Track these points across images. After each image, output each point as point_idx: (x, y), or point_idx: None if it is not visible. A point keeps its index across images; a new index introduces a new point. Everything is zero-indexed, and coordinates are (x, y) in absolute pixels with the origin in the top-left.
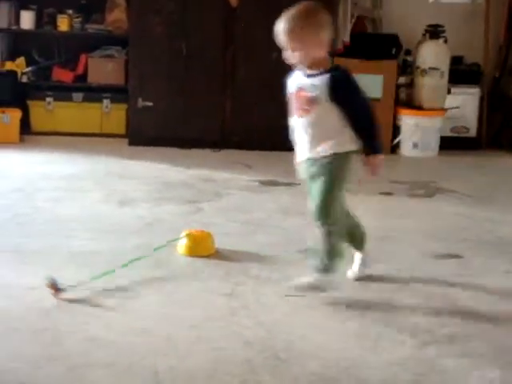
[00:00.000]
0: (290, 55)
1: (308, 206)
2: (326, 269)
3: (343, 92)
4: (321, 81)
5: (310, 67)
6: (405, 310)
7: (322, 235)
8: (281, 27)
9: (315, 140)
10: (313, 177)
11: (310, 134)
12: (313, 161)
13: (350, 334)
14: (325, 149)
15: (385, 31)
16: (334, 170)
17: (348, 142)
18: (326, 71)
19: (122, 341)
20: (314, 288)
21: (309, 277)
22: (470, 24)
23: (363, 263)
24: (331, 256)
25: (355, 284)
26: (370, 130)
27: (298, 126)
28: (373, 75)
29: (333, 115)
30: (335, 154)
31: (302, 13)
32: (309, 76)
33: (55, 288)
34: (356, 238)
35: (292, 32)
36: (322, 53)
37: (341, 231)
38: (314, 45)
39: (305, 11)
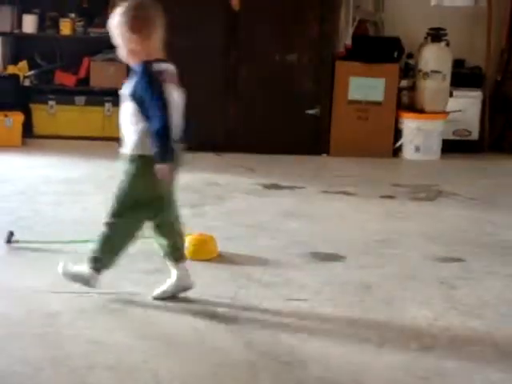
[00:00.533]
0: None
1: None
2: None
3: (139, 89)
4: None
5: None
6: (407, 313)
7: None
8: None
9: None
10: None
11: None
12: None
13: (353, 337)
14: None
15: (387, 34)
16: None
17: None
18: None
19: (123, 344)
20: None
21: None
22: (472, 27)
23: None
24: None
25: (354, 288)
26: (157, 135)
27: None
28: (375, 78)
29: (129, 114)
30: (130, 156)
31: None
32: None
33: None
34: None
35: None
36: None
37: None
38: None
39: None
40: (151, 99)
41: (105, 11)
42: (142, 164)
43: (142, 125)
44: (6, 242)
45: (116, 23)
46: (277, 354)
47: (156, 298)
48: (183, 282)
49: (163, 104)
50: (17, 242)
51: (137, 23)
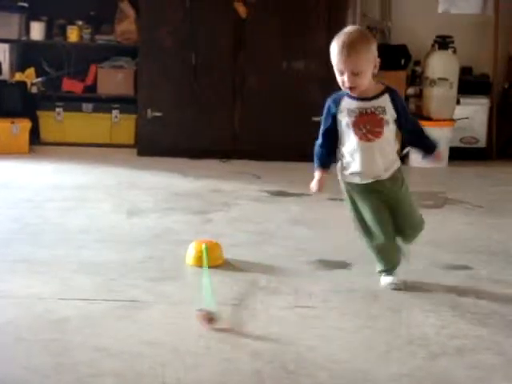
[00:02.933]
0: (353, 78)
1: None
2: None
3: (404, 111)
4: (385, 102)
5: (362, 93)
6: (414, 321)
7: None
8: (344, 50)
9: (386, 160)
10: (378, 195)
11: (380, 156)
12: (381, 180)
13: (360, 345)
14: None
15: (394, 42)
16: (406, 185)
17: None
18: (383, 92)
19: (130, 351)
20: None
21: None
22: (479, 35)
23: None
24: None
25: (361, 296)
26: (425, 135)
27: (365, 149)
28: None
29: (393, 134)
30: (399, 170)
31: (360, 37)
32: (366, 99)
33: (209, 318)
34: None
35: (358, 54)
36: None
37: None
38: (372, 66)
39: (361, 35)
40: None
41: (112, 18)
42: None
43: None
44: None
45: (368, 49)
46: (283, 362)
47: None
48: None
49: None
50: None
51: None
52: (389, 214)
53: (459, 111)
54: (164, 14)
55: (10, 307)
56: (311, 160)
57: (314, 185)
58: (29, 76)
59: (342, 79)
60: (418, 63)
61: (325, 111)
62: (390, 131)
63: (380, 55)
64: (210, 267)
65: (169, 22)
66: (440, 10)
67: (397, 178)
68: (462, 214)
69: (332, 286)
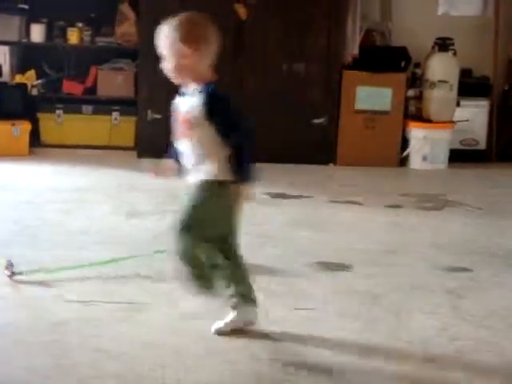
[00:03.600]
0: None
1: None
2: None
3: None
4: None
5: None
6: (414, 323)
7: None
8: (161, 34)
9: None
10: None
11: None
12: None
13: (360, 347)
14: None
15: (394, 44)
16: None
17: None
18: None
19: (130, 353)
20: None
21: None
22: (480, 37)
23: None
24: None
25: (361, 298)
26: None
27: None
28: (382, 88)
29: (210, 137)
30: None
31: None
32: (187, 95)
33: (11, 271)
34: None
35: (170, 41)
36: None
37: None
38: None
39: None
40: (233, 120)
41: (112, 20)
42: (220, 190)
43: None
44: (9, 275)
45: (169, 36)
46: (284, 364)
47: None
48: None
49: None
50: (20, 273)
51: (194, 38)
52: None
53: (459, 113)
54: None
55: (10, 309)
56: (311, 162)
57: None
58: (29, 78)
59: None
60: (418, 65)
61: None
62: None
63: (380, 57)
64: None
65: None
66: (440, 12)
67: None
68: (462, 216)
69: (332, 288)
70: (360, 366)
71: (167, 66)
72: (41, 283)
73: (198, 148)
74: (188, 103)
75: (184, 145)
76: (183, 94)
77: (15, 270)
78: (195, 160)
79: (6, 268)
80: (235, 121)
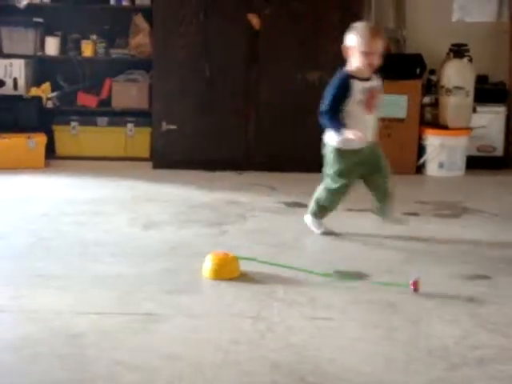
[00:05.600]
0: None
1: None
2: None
3: None
4: (378, 82)
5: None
6: (434, 331)
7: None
8: (378, 34)
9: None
10: (366, 154)
11: (374, 126)
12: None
13: (379, 357)
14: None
15: (408, 51)
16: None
17: None
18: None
19: (147, 365)
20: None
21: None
22: (495, 42)
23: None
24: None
25: (379, 307)
26: None
27: (368, 120)
28: (397, 95)
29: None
30: None
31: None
32: (367, 79)
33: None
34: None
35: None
36: None
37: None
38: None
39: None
40: None
41: (126, 32)
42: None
43: None
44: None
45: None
46: (302, 374)
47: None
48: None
49: None
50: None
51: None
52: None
53: (476, 120)
54: (178, 27)
55: (26, 322)
56: None
57: (356, 134)
58: (44, 91)
59: (367, 59)
60: (433, 72)
61: (336, 85)
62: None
63: (395, 64)
64: (225, 279)
65: (183, 35)
66: (454, 19)
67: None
68: (479, 223)
69: (350, 297)
70: (379, 376)
71: (377, 60)
72: (57, 295)
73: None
74: (372, 83)
75: (369, 116)
76: (360, 79)
77: None
78: (374, 125)
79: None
80: None
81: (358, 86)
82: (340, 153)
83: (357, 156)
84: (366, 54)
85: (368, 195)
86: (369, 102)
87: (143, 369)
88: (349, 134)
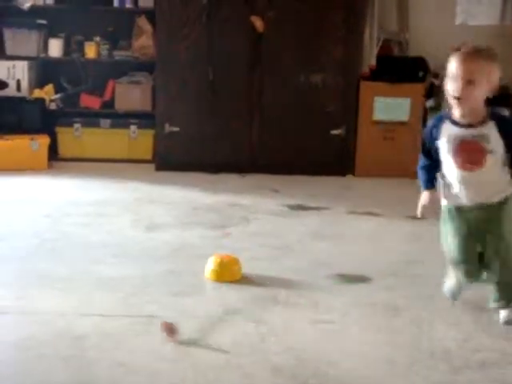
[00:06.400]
0: (465, 87)
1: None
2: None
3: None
4: (489, 130)
5: (467, 114)
6: (436, 334)
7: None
8: (466, 56)
9: (490, 188)
10: (479, 223)
11: (483, 184)
12: (481, 206)
13: (381, 360)
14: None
15: (411, 54)
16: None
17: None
18: (488, 119)
19: (150, 367)
20: None
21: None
22: (498, 46)
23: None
24: None
25: (381, 310)
26: None
27: (465, 178)
28: (400, 98)
29: (500, 163)
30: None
31: (487, 50)
32: (468, 126)
33: (171, 330)
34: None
35: (478, 61)
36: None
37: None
38: (487, 85)
39: (488, 49)
40: None
41: (129, 34)
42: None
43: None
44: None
45: (490, 63)
46: (304, 378)
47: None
48: None
49: None
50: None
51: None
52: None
53: None
54: (181, 29)
55: (30, 323)
56: (329, 173)
57: (420, 208)
58: (47, 92)
59: (452, 88)
60: (436, 75)
61: (427, 133)
62: (495, 161)
63: (398, 67)
64: (228, 282)
65: (186, 37)
66: (457, 22)
67: (503, 207)
68: None
69: (352, 300)
70: (381, 379)
71: (471, 91)
72: (60, 296)
73: (488, 174)
74: (472, 131)
75: (469, 173)
76: (456, 123)
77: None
78: (481, 186)
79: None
80: None
81: (447, 132)
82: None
83: (467, 217)
84: (451, 79)
85: (370, 198)
86: (460, 155)
87: (145, 371)
88: (422, 197)
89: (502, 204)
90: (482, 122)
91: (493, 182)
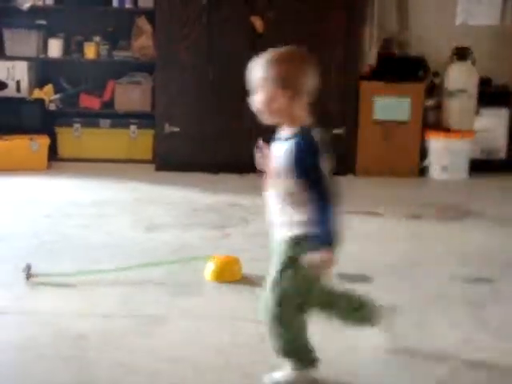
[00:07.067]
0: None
1: None
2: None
3: (299, 164)
4: (288, 148)
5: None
6: (436, 335)
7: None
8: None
9: (284, 219)
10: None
11: (279, 211)
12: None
13: (382, 360)
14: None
15: (411, 53)
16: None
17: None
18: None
19: (149, 367)
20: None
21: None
22: (499, 46)
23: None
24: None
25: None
26: (324, 217)
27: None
28: (400, 98)
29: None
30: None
31: (286, 52)
32: (279, 140)
33: (27, 273)
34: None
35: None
36: (296, 110)
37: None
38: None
39: (288, 51)
40: (317, 176)
41: (129, 34)
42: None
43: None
44: (25, 277)
45: (262, 74)
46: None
47: None
48: None
49: (325, 180)
50: (35, 276)
51: (289, 77)
52: None
53: (479, 123)
54: (181, 29)
55: (30, 323)
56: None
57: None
58: (47, 93)
59: None
60: (436, 75)
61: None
62: (289, 185)
63: (398, 67)
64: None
65: (186, 37)
66: (458, 22)
67: (288, 248)
68: (482, 226)
69: None
70: (382, 380)
71: (258, 104)
72: (60, 297)
73: (283, 199)
74: (279, 149)
75: (271, 195)
76: (277, 139)
77: (32, 272)
78: (281, 212)
79: (24, 270)
80: (314, 177)
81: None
82: None
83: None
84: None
85: (370, 198)
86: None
87: (145, 371)
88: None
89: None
90: (288, 138)
91: (286, 213)
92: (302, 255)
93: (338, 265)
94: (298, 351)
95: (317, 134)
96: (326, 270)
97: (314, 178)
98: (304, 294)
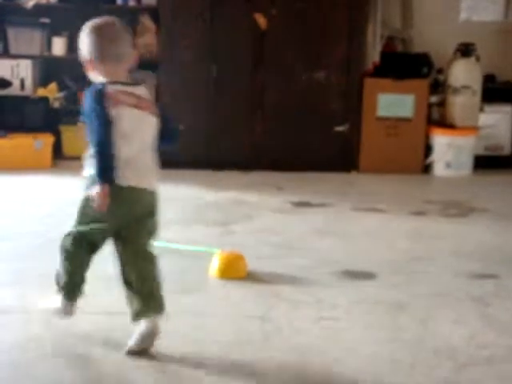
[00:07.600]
0: None
1: None
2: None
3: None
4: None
5: None
6: (441, 331)
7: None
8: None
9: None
10: None
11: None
12: None
13: (385, 358)
14: None
15: (415, 50)
16: None
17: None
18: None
19: (154, 364)
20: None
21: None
22: (502, 42)
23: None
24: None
25: (386, 307)
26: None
27: None
28: (404, 95)
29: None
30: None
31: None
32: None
33: None
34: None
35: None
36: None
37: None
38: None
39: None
40: (91, 122)
41: (133, 32)
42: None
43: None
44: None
45: (81, 39)
46: (307, 375)
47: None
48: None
49: (102, 128)
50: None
51: (99, 43)
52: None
53: (483, 119)
54: (184, 28)
55: (33, 322)
56: (334, 170)
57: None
58: (51, 91)
59: None
60: (440, 71)
61: None
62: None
63: (402, 64)
64: (232, 279)
65: (189, 35)
66: (462, 18)
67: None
68: (487, 222)
69: (357, 297)
70: (386, 377)
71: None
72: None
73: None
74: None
75: None
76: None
77: None
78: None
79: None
80: (90, 122)
81: None
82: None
83: None
84: None
85: (374, 195)
86: None
87: (151, 368)
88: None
89: None
90: None
91: None
92: (86, 191)
93: (343, 262)
94: (70, 283)
95: (106, 87)
96: (101, 203)
97: (91, 123)
98: (82, 225)
